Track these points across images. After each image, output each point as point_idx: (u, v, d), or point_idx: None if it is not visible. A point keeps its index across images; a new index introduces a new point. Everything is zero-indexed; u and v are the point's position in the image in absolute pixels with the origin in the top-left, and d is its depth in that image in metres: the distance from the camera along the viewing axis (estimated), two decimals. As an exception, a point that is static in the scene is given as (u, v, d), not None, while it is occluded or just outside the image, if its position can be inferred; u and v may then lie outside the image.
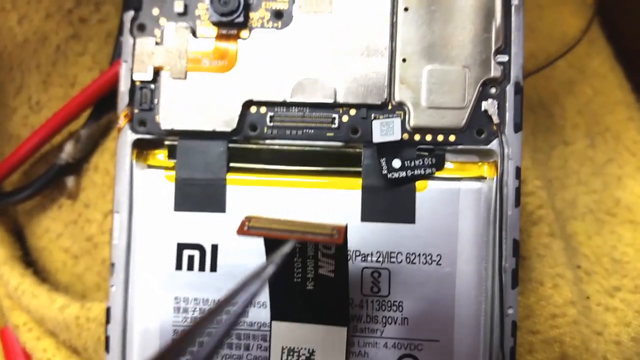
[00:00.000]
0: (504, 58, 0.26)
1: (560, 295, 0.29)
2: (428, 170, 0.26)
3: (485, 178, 0.26)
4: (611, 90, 0.40)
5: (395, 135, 0.26)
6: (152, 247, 0.26)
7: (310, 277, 0.24)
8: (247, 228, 0.19)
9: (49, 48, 0.33)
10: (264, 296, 0.25)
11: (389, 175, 0.25)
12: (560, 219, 0.32)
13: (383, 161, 0.26)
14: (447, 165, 0.26)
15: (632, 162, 0.37)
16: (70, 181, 0.32)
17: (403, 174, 0.26)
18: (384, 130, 0.26)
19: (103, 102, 0.31)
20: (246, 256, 0.25)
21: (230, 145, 0.27)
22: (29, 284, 0.32)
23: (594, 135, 0.38)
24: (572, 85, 0.39)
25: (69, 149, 0.31)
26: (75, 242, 0.33)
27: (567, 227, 0.32)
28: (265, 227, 0.20)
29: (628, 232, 0.34)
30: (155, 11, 0.27)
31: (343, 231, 0.20)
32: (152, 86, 0.27)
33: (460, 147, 0.26)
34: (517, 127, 0.26)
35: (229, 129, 0.27)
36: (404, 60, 0.26)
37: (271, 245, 0.22)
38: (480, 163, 0.26)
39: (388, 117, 0.26)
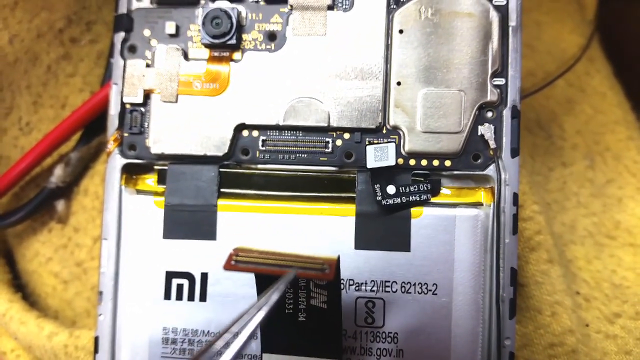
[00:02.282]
0: (500, 81, 0.25)
1: (559, 324, 0.28)
2: (423, 197, 0.25)
3: (482, 204, 0.25)
4: (611, 109, 0.39)
5: (390, 160, 0.25)
6: (140, 276, 0.26)
7: (302, 308, 0.23)
8: (235, 262, 0.19)
9: (40, 68, 0.32)
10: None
11: (384, 202, 0.25)
12: (559, 244, 0.32)
13: (377, 187, 0.25)
14: (443, 191, 0.26)
15: (632, 182, 0.36)
16: (60, 205, 0.32)
17: (398, 200, 0.25)
18: (378, 156, 0.25)
19: (93, 125, 0.31)
20: (237, 285, 0.25)
21: (222, 170, 0.26)
22: (17, 310, 0.31)
23: (593, 156, 0.37)
24: (571, 104, 0.39)
25: (58, 172, 0.31)
26: (65, 267, 0.32)
27: (566, 252, 0.31)
28: (254, 262, 0.19)
29: (628, 255, 0.33)
30: (147, 32, 0.27)
31: (334, 265, 0.19)
32: (143, 109, 0.27)
33: (456, 172, 0.25)
34: (514, 152, 0.25)
35: (220, 154, 0.26)
36: (398, 83, 0.26)
37: (262, 279, 0.21)
38: (476, 189, 0.26)
39: (382, 142, 0.25)
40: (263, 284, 0.21)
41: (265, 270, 0.19)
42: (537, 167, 0.35)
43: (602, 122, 0.39)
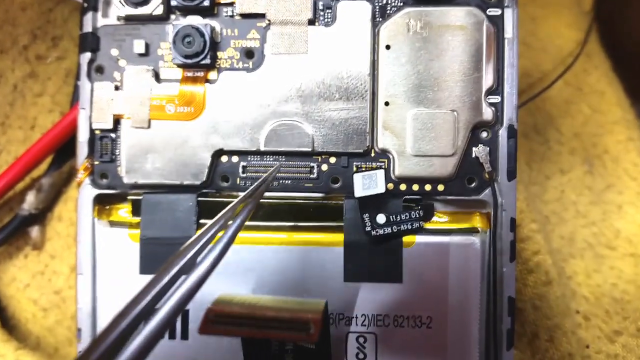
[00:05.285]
0: (496, 99, 0.24)
1: (558, 348, 0.27)
2: (415, 224, 0.24)
3: (478, 230, 0.24)
4: (610, 108, 0.38)
5: (379, 188, 0.23)
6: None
7: (288, 349, 0.22)
8: (211, 324, 0.17)
9: (6, 87, 0.30)
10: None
11: (373, 233, 0.23)
12: (558, 260, 0.30)
13: (366, 217, 0.24)
14: (436, 216, 0.24)
15: (632, 187, 0.35)
16: (34, 231, 0.30)
17: (388, 229, 0.24)
18: (367, 184, 0.23)
19: (65, 148, 0.29)
20: (219, 324, 0.23)
21: (200, 199, 0.24)
22: (-6, 341, 0.29)
23: (591, 160, 0.36)
24: (568, 105, 0.37)
25: (30, 199, 0.29)
26: (44, 294, 0.31)
27: (565, 268, 0.30)
28: (233, 322, 0.17)
29: (629, 266, 0.32)
30: (114, 52, 0.25)
31: (319, 323, 0.18)
32: (113, 135, 0.25)
33: (449, 197, 0.24)
34: (511, 175, 0.24)
35: (197, 182, 0.24)
36: (386, 103, 0.24)
37: (245, 341, 0.20)
38: (471, 214, 0.24)
39: (370, 169, 0.24)
40: (246, 344, 0.20)
41: (246, 333, 0.17)
42: (533, 176, 0.33)
43: (600, 123, 0.37)
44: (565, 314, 0.27)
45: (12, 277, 0.32)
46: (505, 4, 0.24)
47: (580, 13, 0.40)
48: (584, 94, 0.38)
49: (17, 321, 0.33)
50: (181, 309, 0.15)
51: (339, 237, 0.24)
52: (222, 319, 0.18)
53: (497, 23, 0.24)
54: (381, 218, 0.24)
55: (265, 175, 0.22)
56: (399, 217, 0.24)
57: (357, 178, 0.23)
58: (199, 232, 0.16)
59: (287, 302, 0.20)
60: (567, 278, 0.30)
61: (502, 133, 0.24)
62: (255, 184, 0.21)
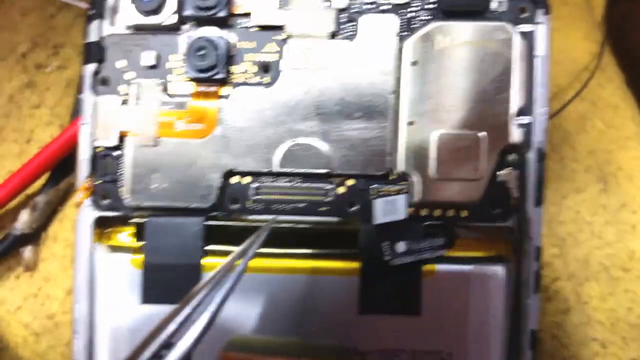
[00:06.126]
0: (525, 120, 0.23)
1: (573, 379, 0.26)
2: (437, 253, 0.22)
3: (502, 259, 0.23)
4: (623, 122, 0.37)
5: (400, 214, 0.22)
6: (117, 346, 0.23)
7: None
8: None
9: (1, 98, 0.28)
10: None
11: (392, 262, 0.22)
12: (575, 284, 0.29)
13: (385, 245, 0.22)
14: (458, 243, 0.23)
15: (646, 205, 0.34)
16: (27, 252, 0.28)
17: (408, 259, 0.22)
18: (387, 210, 0.22)
19: (63, 164, 0.27)
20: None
21: (208, 222, 0.23)
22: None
23: (606, 177, 0.35)
24: (583, 121, 0.36)
25: (24, 218, 0.27)
26: (36, 318, 0.29)
27: (581, 294, 0.29)
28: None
29: (643, 289, 0.31)
30: (121, 63, 0.23)
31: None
32: (117, 153, 0.23)
33: (473, 224, 0.23)
34: (539, 201, 0.22)
35: (206, 205, 0.23)
36: (410, 123, 0.22)
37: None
38: (495, 241, 0.23)
39: (390, 194, 0.22)
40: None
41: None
42: (550, 196, 0.32)
43: (614, 138, 0.36)
44: (583, 342, 0.26)
45: (3, 299, 0.30)
46: (538, 20, 0.22)
47: (594, 24, 0.39)
48: (598, 109, 0.37)
49: (6, 345, 0.32)
50: None
51: (355, 265, 0.22)
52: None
53: (528, 40, 0.22)
54: (401, 246, 0.22)
55: (254, 234, 0.20)
56: (419, 245, 0.22)
57: (378, 204, 0.22)
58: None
59: (300, 346, 0.19)
60: (584, 303, 0.29)
61: (531, 156, 0.22)
62: (242, 246, 0.19)
